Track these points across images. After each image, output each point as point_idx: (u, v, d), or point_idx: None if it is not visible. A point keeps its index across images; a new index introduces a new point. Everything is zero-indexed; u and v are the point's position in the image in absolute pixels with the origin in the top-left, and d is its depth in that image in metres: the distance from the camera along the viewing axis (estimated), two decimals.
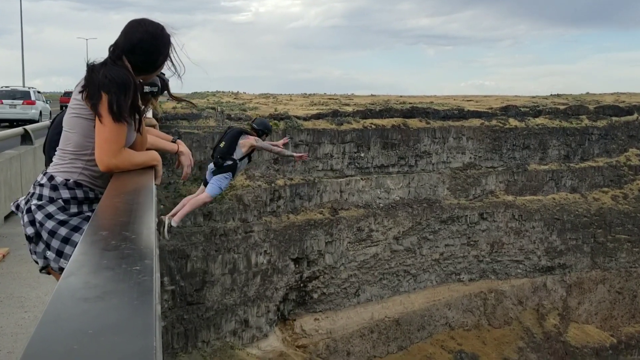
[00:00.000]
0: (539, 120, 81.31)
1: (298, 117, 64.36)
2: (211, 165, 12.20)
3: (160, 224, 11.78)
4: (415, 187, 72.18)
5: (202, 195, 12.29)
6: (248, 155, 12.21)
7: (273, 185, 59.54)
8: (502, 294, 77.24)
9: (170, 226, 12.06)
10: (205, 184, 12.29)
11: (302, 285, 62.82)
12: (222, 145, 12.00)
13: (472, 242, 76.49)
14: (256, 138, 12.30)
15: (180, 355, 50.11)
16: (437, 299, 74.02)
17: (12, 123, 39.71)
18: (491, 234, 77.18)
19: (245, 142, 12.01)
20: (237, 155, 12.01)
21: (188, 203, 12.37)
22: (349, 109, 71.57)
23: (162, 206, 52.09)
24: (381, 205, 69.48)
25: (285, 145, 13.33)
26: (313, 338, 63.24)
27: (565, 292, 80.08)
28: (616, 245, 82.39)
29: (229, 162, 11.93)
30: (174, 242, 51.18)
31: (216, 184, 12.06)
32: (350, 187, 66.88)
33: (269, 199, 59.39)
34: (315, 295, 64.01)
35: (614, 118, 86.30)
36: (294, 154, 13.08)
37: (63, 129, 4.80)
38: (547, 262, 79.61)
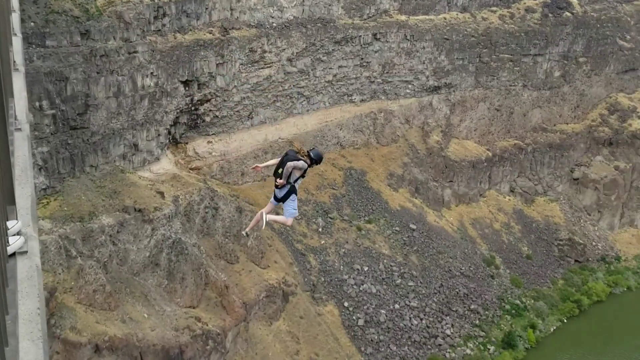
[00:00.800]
0: None
1: None
2: (276, 192, 14.31)
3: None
4: (309, 6, 69.70)
5: (288, 220, 14.65)
6: (302, 175, 14.18)
7: (156, 1, 55.15)
8: (390, 114, 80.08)
9: (266, 221, 14.49)
10: (276, 199, 14.39)
11: (193, 108, 61.45)
12: (280, 171, 14.03)
13: (364, 64, 76.92)
14: (297, 163, 13.97)
15: (68, 180, 48.86)
16: (330, 120, 75.65)
17: None
18: (383, 54, 77.69)
19: (297, 166, 13.95)
20: (292, 178, 14.03)
21: (274, 219, 14.78)
22: None
23: (32, 23, 47.20)
24: (274, 25, 67.04)
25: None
26: (206, 160, 63.56)
27: (449, 110, 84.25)
28: (499, 65, 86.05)
29: (288, 187, 14.05)
30: (49, 63, 47.29)
31: (289, 207, 14.22)
32: (242, 5, 63.37)
33: (152, 17, 55.33)
34: (207, 119, 63.14)
35: None
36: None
37: None
38: (435, 82, 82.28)
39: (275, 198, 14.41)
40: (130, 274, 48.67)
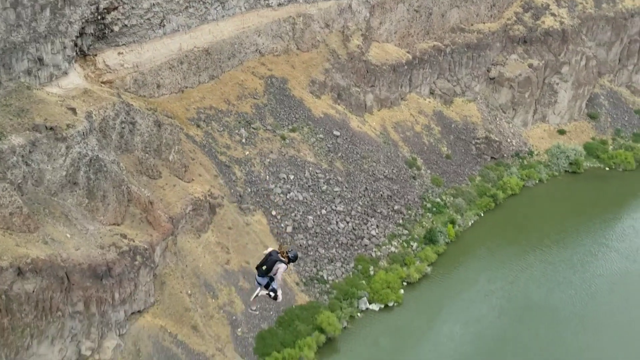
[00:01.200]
0: None
1: None
2: (259, 279, 19.71)
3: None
4: None
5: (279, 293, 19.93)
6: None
7: None
8: (310, 18, 78.11)
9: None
10: (259, 284, 19.73)
11: (100, 17, 57.53)
12: (264, 268, 19.18)
13: None
14: (281, 267, 19.13)
15: None
16: (247, 26, 73.02)
17: None
18: None
19: (279, 268, 19.07)
20: (272, 272, 19.08)
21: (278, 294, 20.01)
22: None
23: None
24: None
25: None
26: (119, 73, 60.47)
27: (369, 12, 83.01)
28: None
29: (268, 278, 19.24)
30: None
31: (276, 286, 19.39)
32: None
33: None
34: (116, 28, 59.51)
35: None
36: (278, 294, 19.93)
37: None
38: None
39: (258, 284, 19.51)
40: (48, 194, 46.89)
